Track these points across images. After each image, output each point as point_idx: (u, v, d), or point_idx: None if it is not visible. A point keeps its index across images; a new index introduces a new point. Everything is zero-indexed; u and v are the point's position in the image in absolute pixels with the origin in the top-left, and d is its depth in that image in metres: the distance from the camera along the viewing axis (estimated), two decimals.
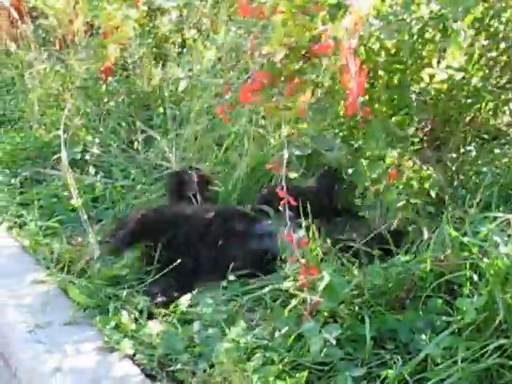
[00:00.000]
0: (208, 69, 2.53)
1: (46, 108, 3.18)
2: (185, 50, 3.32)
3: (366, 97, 1.77)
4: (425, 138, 2.22)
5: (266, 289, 1.72)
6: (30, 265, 2.00)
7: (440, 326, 1.50)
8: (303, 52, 1.64)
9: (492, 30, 1.97)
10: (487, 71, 2.06)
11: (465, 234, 1.57)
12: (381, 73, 1.97)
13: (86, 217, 2.07)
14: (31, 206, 2.43)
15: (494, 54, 2.06)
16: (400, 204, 1.83)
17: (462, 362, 1.35)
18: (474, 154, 2.16)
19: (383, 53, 1.97)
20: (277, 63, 1.55)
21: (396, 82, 2.03)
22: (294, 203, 1.46)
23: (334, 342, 1.46)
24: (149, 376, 1.47)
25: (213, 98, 2.50)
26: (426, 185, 1.86)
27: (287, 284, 1.69)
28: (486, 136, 2.27)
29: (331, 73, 1.65)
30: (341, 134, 2.00)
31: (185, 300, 1.76)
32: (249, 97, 1.43)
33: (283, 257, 1.81)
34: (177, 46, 3.44)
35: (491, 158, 2.18)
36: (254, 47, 1.50)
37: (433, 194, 1.83)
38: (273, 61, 1.53)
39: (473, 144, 2.21)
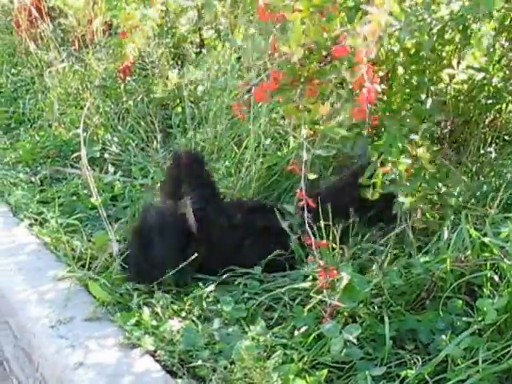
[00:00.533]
0: (227, 70, 2.54)
1: (66, 107, 3.21)
2: (203, 50, 3.35)
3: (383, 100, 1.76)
4: (444, 139, 2.22)
5: (285, 288, 1.73)
6: (51, 261, 2.02)
7: (460, 326, 1.50)
8: (324, 53, 1.66)
9: None
10: (508, 72, 2.06)
11: (485, 235, 1.57)
12: (400, 72, 1.96)
13: (105, 214, 2.09)
14: (51, 204, 2.46)
15: None
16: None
17: (482, 362, 1.35)
18: (494, 155, 2.15)
19: (402, 53, 1.98)
20: (296, 64, 1.56)
21: (414, 82, 2.03)
22: (313, 205, 1.47)
23: (355, 341, 1.47)
24: (170, 372, 1.48)
25: (232, 99, 2.50)
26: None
27: (306, 284, 1.70)
28: (506, 137, 2.26)
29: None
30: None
31: (204, 297, 1.77)
32: (264, 96, 1.43)
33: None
34: (195, 46, 3.47)
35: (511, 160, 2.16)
36: (273, 48, 1.50)
37: (455, 192, 1.82)
38: (293, 62, 1.53)
39: (493, 145, 2.20)
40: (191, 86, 2.98)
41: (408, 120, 1.74)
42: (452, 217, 1.75)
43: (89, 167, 2.51)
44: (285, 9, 1.38)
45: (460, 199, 1.87)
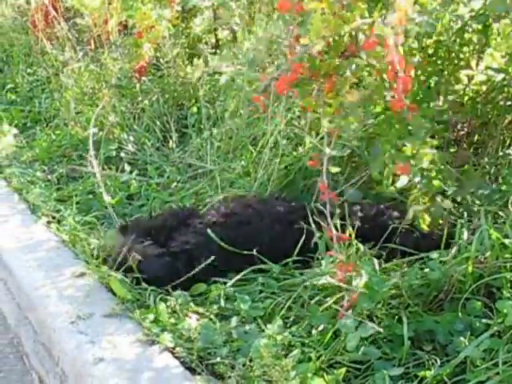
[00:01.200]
0: (249, 62, 2.56)
1: (82, 106, 3.24)
2: (218, 50, 3.37)
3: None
4: (462, 140, 2.21)
5: (302, 286, 1.74)
6: (70, 258, 2.04)
7: (479, 328, 1.50)
8: (342, 49, 1.66)
9: None
10: None
11: (506, 236, 1.57)
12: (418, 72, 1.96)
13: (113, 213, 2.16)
14: (68, 202, 2.48)
15: None
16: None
17: (502, 364, 1.35)
18: None
19: (421, 53, 1.97)
20: (317, 59, 1.56)
21: (432, 83, 2.03)
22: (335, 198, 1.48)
23: (373, 341, 1.47)
24: (188, 368, 1.49)
25: (252, 92, 2.51)
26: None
27: (323, 281, 1.70)
28: None
29: (374, 70, 1.67)
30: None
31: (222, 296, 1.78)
32: (285, 88, 1.45)
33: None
34: (210, 47, 3.48)
35: None
36: (294, 40, 1.51)
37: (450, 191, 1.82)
38: (313, 56, 1.54)
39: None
40: (207, 84, 2.99)
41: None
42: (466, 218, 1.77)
43: (101, 167, 2.57)
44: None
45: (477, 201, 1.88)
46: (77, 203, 2.45)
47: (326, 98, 1.60)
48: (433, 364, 1.45)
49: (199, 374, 1.49)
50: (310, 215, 1.88)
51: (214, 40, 3.52)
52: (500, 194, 1.84)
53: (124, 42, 3.49)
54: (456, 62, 1.99)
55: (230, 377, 1.46)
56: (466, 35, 1.93)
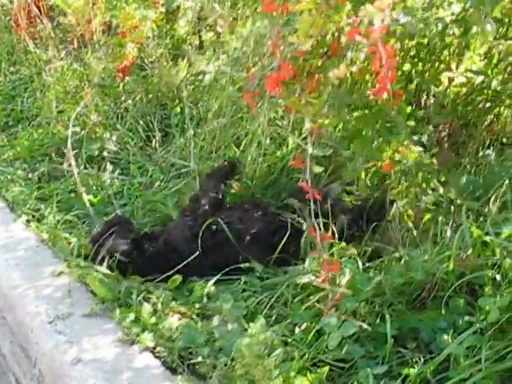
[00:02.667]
0: (233, 61, 2.54)
1: (64, 105, 3.20)
2: (202, 51, 3.35)
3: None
4: (443, 141, 2.22)
5: (285, 285, 1.73)
6: (49, 257, 2.00)
7: (462, 325, 1.49)
8: (325, 49, 1.66)
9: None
10: (506, 75, 2.06)
11: (486, 234, 1.57)
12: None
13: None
14: (49, 201, 2.45)
15: None
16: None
17: (485, 361, 1.34)
18: (492, 157, 2.15)
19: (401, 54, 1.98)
20: (300, 58, 1.56)
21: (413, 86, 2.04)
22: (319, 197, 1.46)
23: (356, 340, 1.46)
24: (169, 368, 1.47)
25: (236, 91, 2.50)
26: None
27: (306, 280, 1.69)
28: (504, 140, 2.27)
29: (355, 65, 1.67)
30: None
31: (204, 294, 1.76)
32: (275, 87, 1.43)
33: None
34: (194, 48, 3.46)
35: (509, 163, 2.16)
36: (279, 39, 1.50)
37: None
38: (296, 55, 1.53)
39: (491, 148, 2.21)
40: (191, 85, 2.97)
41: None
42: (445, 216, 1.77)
43: (82, 166, 2.55)
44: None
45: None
46: (58, 202, 2.41)
47: (308, 97, 1.60)
48: (416, 362, 1.44)
49: (180, 373, 1.47)
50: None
51: (197, 42, 3.51)
52: (481, 191, 1.85)
53: (108, 42, 3.46)
54: (437, 64, 2.01)
55: (211, 377, 1.44)
56: (447, 38, 1.95)
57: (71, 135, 2.94)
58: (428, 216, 1.82)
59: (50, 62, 3.54)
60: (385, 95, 1.34)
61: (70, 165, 2.44)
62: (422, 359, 1.44)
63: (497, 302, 1.42)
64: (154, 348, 1.54)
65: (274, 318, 1.67)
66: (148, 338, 1.55)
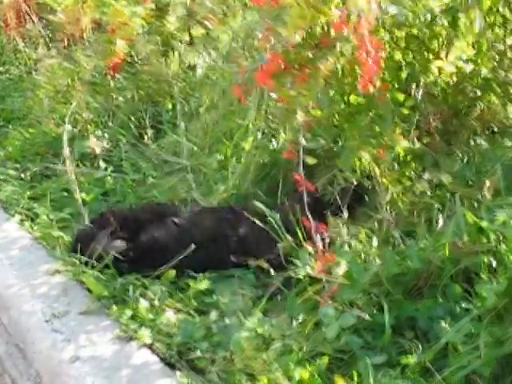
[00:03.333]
0: (224, 54, 2.53)
1: (55, 104, 3.18)
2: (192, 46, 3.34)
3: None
4: (434, 131, 2.23)
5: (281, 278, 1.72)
6: (43, 256, 1.99)
7: (459, 313, 1.49)
8: (316, 41, 1.66)
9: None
10: (496, 63, 2.07)
11: (481, 220, 1.57)
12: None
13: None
14: (42, 200, 2.43)
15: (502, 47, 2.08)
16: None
17: (483, 348, 1.34)
18: (484, 146, 2.15)
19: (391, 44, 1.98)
20: (290, 51, 1.56)
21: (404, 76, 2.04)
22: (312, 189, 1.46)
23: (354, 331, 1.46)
24: (168, 364, 1.47)
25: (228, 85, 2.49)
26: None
27: (302, 272, 1.69)
28: (495, 128, 2.27)
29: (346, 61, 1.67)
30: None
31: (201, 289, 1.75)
32: (266, 80, 1.43)
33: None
34: (184, 44, 3.45)
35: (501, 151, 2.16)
36: (269, 32, 1.50)
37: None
38: (287, 48, 1.53)
39: (483, 136, 2.21)
40: (183, 80, 2.96)
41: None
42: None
43: (75, 164, 2.53)
44: None
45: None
46: (51, 201, 2.39)
47: (300, 89, 1.59)
48: (415, 350, 1.44)
49: (179, 369, 1.46)
50: None
51: (187, 37, 3.49)
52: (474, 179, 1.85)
53: (97, 39, 3.44)
54: (427, 54, 2.01)
55: (210, 371, 1.43)
56: (436, 28, 1.95)
57: (63, 133, 2.93)
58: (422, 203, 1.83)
59: (40, 60, 3.52)
60: (371, 88, 1.34)
61: (64, 162, 2.41)
62: (421, 348, 1.44)
63: (493, 287, 1.42)
64: (152, 344, 1.53)
65: (270, 311, 1.66)
66: (146, 335, 1.54)
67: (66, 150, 2.36)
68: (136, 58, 3.27)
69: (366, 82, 1.29)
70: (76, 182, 2.34)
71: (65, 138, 2.36)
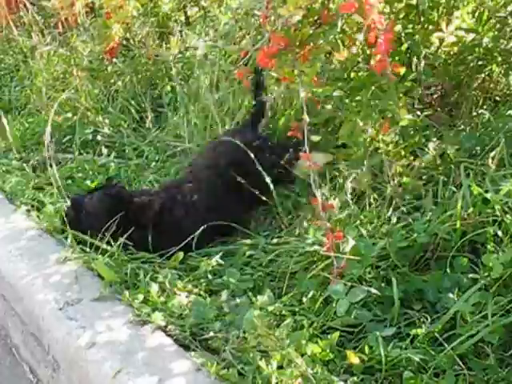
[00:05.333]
0: (223, 34, 2.51)
1: (53, 91, 3.17)
2: (189, 27, 3.31)
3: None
4: (436, 103, 2.22)
5: (289, 256, 1.74)
6: (52, 245, 2.00)
7: (467, 284, 1.51)
8: (315, 18, 1.65)
9: None
10: (497, 32, 2.05)
11: (486, 192, 1.58)
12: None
13: None
14: (47, 189, 2.44)
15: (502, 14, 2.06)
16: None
17: (491, 317, 1.37)
18: (486, 116, 2.15)
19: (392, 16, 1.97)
20: (290, 29, 1.55)
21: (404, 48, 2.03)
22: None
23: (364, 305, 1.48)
24: (182, 346, 1.49)
25: (228, 65, 2.48)
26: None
27: (310, 249, 1.71)
28: (497, 98, 2.27)
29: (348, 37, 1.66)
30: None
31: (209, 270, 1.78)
32: (267, 61, 1.43)
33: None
34: (180, 24, 3.42)
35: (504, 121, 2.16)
36: (268, 11, 1.49)
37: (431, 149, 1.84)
38: (288, 26, 1.53)
39: (485, 107, 2.21)
40: (184, 54, 2.94)
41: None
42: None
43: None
44: None
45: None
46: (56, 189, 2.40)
47: (301, 67, 1.59)
48: (423, 322, 1.47)
49: (193, 350, 1.48)
50: None
51: (183, 18, 3.46)
52: (478, 149, 1.86)
53: (92, 24, 3.41)
54: (427, 25, 1.99)
55: (224, 350, 1.46)
56: None
57: (63, 121, 2.94)
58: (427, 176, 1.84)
59: (35, 48, 3.49)
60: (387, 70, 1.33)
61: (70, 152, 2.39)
62: (429, 319, 1.47)
63: (500, 257, 1.44)
64: (166, 327, 1.55)
65: (281, 289, 1.69)
66: (159, 318, 1.56)
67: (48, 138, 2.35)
68: (133, 42, 3.24)
69: (381, 61, 1.29)
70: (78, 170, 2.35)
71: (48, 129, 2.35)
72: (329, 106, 1.93)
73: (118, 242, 1.86)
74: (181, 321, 1.56)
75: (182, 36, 2.72)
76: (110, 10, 3.02)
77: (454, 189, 1.69)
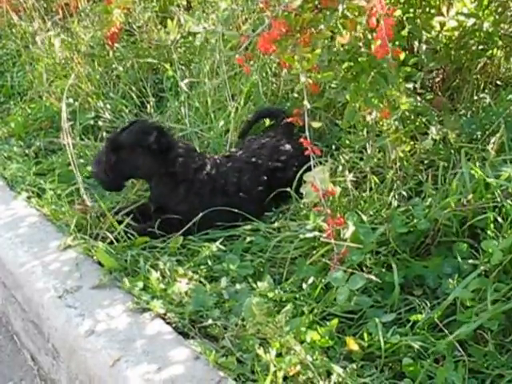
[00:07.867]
0: (223, 20, 2.49)
1: (55, 77, 3.16)
2: (190, 11, 3.28)
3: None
4: (437, 87, 2.20)
5: (289, 242, 1.74)
6: (53, 232, 2.00)
7: (466, 269, 1.50)
8: (316, 3, 1.62)
9: None
10: (498, 16, 2.02)
11: (486, 177, 1.56)
12: None
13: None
14: (48, 176, 2.44)
15: None
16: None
17: (490, 303, 1.36)
18: (487, 100, 2.12)
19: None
20: (291, 14, 1.53)
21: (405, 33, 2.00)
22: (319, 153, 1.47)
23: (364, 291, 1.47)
24: (181, 333, 1.49)
25: (229, 50, 2.46)
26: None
27: (311, 235, 1.70)
28: (498, 82, 2.24)
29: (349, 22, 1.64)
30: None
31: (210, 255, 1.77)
32: (268, 47, 1.41)
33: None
34: (182, 9, 3.39)
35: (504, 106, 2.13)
36: None
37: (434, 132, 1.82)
38: (288, 11, 1.51)
39: (486, 91, 2.18)
40: (185, 39, 2.92)
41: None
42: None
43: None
44: None
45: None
46: (57, 176, 2.40)
47: (302, 52, 1.57)
48: (423, 308, 1.46)
49: (192, 337, 1.48)
50: None
51: (185, 2, 3.43)
52: (480, 132, 1.83)
53: (93, 10, 3.39)
54: (428, 9, 1.96)
55: (223, 338, 1.46)
56: None
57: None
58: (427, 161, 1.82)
59: (36, 34, 3.47)
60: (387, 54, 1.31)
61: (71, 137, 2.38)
62: (429, 305, 1.46)
63: (499, 243, 1.43)
64: (165, 314, 1.55)
65: (281, 275, 1.68)
66: (158, 305, 1.56)
67: (66, 125, 2.35)
68: (134, 27, 3.22)
69: (382, 46, 1.27)
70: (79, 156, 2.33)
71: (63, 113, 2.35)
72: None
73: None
74: (180, 308, 1.56)
75: (180, 21, 2.68)
76: None
77: (455, 174, 1.67)
